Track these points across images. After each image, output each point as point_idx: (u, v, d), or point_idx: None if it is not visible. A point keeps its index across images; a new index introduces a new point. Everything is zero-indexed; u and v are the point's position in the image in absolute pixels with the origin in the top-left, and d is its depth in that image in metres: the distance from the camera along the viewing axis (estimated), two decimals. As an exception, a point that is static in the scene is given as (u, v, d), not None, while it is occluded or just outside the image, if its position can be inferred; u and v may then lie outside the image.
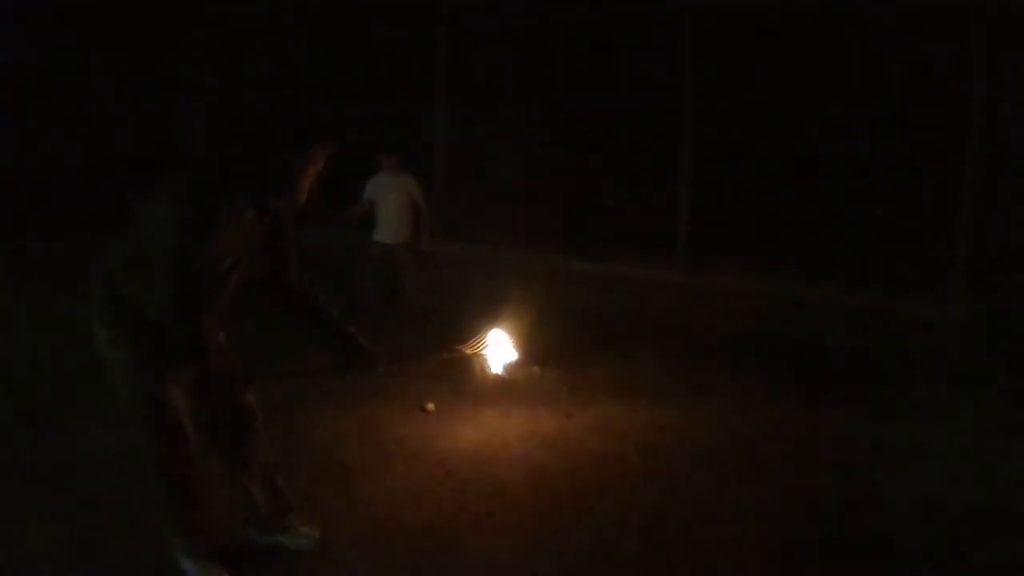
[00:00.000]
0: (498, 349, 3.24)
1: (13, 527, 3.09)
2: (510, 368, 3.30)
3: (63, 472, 3.57)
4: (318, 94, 8.16)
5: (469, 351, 3.19)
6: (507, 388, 4.94)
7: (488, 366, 3.22)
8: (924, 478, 3.83)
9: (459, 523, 3.33)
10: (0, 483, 3.44)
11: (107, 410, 4.07)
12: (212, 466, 2.87)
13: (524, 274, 6.79)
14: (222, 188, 2.45)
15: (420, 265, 6.56)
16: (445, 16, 7.87)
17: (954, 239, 6.22)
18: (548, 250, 7.37)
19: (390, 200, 6.33)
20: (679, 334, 6.40)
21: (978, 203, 6.14)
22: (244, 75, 8.51)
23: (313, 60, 8.44)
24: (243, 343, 2.90)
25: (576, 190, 7.50)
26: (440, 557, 3.06)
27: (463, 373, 3.92)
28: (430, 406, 4.53)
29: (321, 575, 2.91)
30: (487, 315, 3.49)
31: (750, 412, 4.72)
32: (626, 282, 7.19)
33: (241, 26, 8.64)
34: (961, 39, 6.09)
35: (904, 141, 6.34)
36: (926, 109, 6.24)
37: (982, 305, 5.98)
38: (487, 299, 4.69)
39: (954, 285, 6.22)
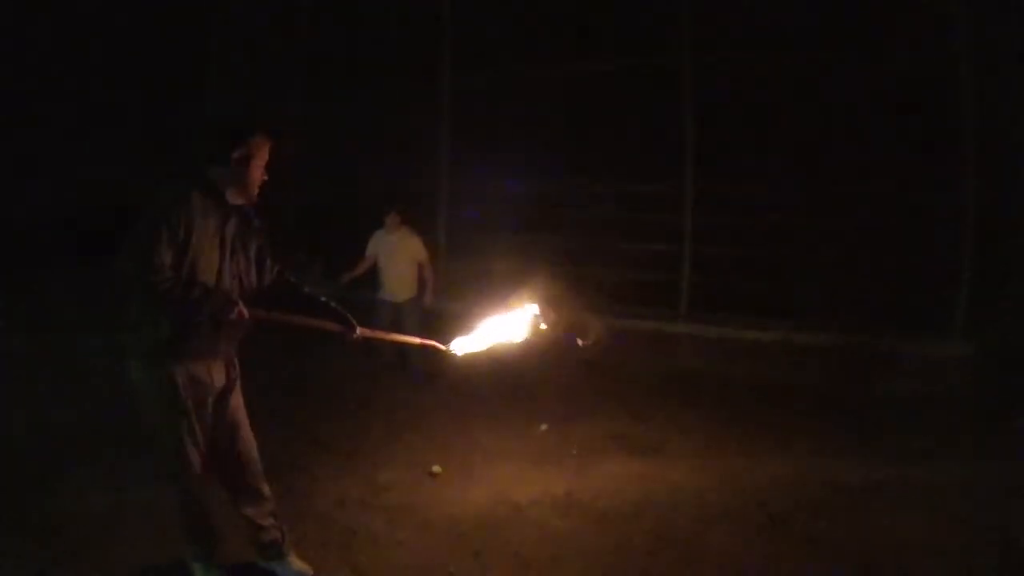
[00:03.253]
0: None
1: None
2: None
3: (61, 530, 3.49)
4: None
5: (441, 347, 3.43)
6: (515, 448, 4.88)
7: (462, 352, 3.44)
8: (942, 519, 3.79)
9: (473, 592, 3.21)
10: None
11: (101, 468, 4.10)
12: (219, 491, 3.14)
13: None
14: (182, 196, 2.77)
15: (424, 323, 6.48)
16: (447, 70, 7.98)
17: (956, 280, 6.25)
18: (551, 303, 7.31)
19: (396, 259, 6.26)
20: (684, 385, 6.34)
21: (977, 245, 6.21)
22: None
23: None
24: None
25: (581, 243, 7.50)
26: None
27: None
28: (437, 468, 4.41)
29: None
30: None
31: (762, 464, 4.62)
32: (630, 334, 7.12)
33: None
34: (953, 87, 6.21)
35: (904, 186, 6.39)
36: (924, 154, 6.31)
37: (985, 341, 6.00)
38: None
39: (957, 323, 6.23)
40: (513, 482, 4.30)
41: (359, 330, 3.14)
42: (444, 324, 6.85)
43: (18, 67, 8.60)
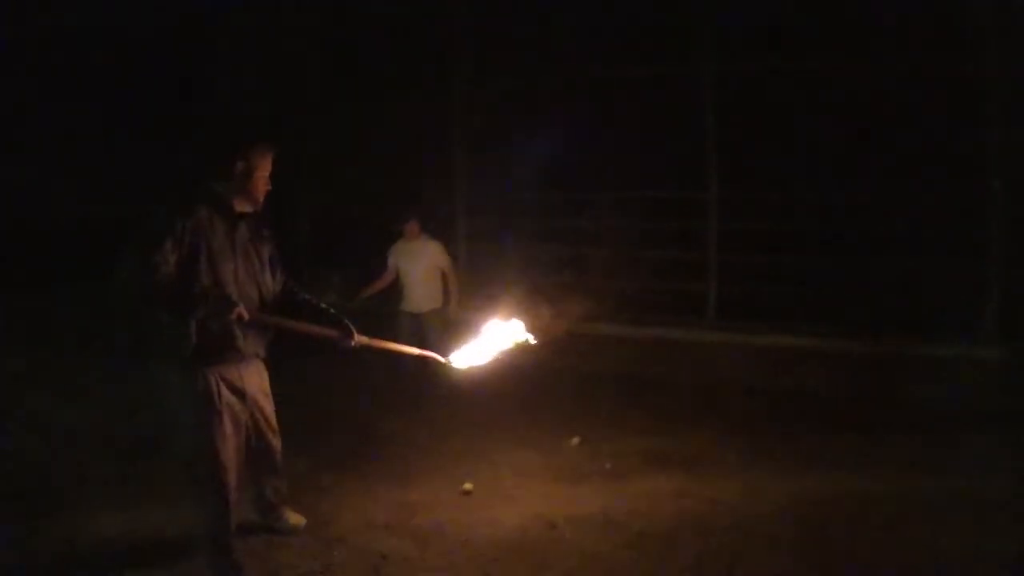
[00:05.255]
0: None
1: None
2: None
3: (75, 554, 3.43)
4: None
5: (442, 360, 3.44)
6: (546, 463, 4.73)
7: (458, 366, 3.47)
8: (978, 531, 3.65)
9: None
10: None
11: (113, 489, 4.04)
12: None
13: (555, 339, 6.60)
14: (187, 205, 2.86)
15: (448, 333, 6.34)
16: (463, 77, 7.88)
17: (985, 283, 6.06)
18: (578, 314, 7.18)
19: (417, 268, 6.10)
20: (715, 395, 6.16)
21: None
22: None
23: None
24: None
25: (605, 254, 7.37)
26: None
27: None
28: (468, 487, 4.26)
29: None
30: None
31: (797, 477, 4.46)
32: (657, 344, 6.98)
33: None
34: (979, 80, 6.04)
35: (931, 191, 6.22)
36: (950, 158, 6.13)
37: (1017, 346, 5.81)
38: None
39: (989, 328, 6.03)
40: (547, 500, 4.14)
41: (356, 337, 3.16)
42: (464, 335, 6.80)
43: (20, 73, 8.61)
